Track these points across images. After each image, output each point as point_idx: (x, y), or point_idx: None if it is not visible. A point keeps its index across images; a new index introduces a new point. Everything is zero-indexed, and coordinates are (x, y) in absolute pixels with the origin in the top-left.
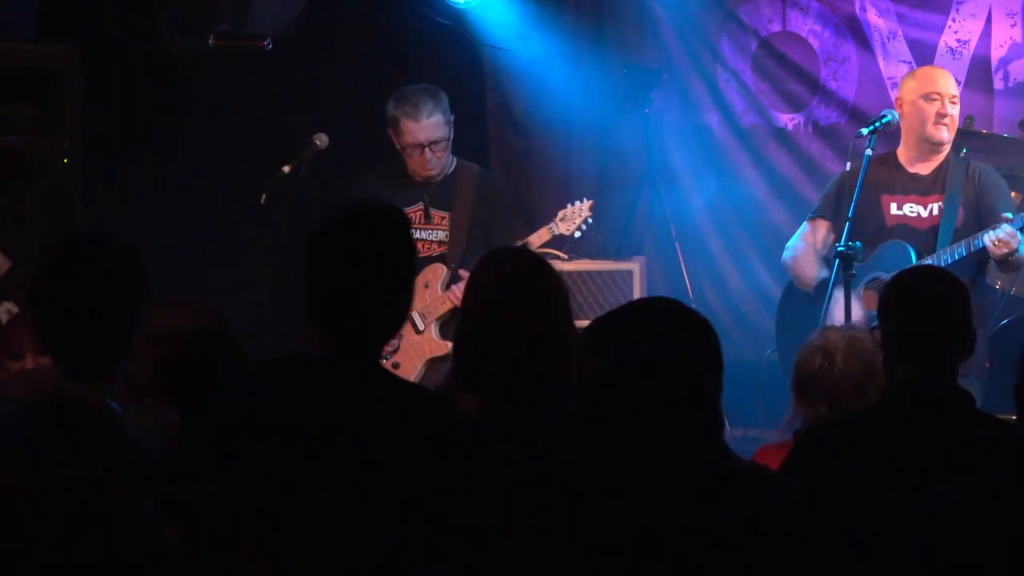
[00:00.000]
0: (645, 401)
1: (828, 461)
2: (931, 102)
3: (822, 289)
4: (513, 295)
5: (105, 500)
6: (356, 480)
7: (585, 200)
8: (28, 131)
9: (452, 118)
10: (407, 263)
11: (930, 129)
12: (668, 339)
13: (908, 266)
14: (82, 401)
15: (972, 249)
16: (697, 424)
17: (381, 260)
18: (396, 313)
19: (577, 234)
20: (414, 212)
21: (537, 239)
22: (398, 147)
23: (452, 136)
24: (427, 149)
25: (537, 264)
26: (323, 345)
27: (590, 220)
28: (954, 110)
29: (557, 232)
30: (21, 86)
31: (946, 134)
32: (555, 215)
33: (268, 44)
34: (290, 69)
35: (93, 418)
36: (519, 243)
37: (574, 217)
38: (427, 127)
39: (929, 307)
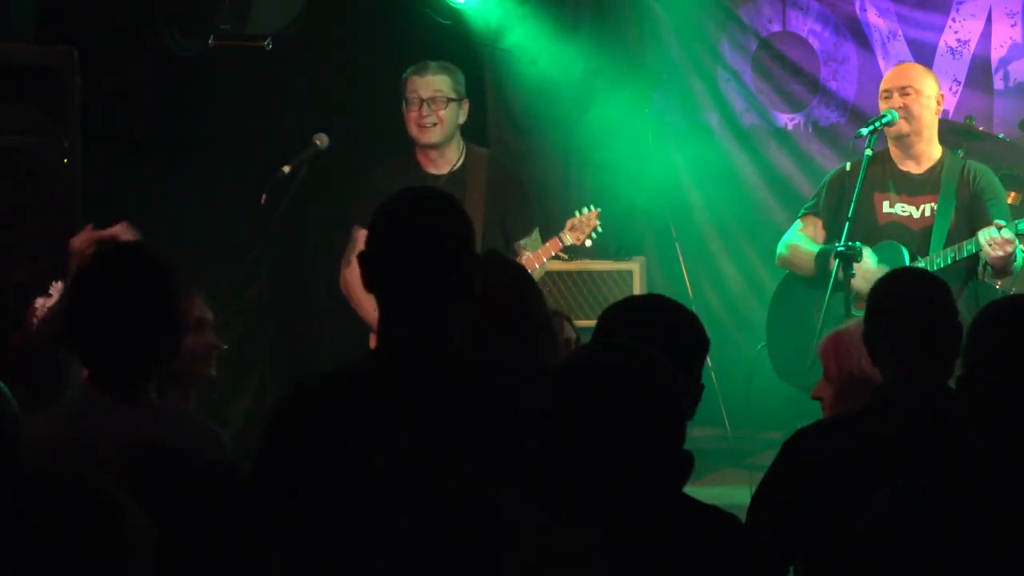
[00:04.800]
0: (608, 388)
1: (817, 462)
2: (885, 100)
3: (823, 261)
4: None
5: (75, 488)
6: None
7: (592, 208)
8: (28, 131)
9: (464, 99)
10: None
11: (887, 129)
12: (662, 332)
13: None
14: None
15: (965, 254)
16: (665, 415)
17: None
18: None
19: (588, 243)
20: None
21: (549, 249)
22: (405, 118)
23: (460, 119)
24: (424, 104)
25: (515, 274)
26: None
27: (599, 229)
28: (908, 100)
29: (568, 243)
30: (21, 86)
31: (904, 126)
32: (564, 225)
33: (268, 44)
34: (290, 69)
35: None
36: (520, 251)
37: (583, 226)
38: (430, 82)
39: (913, 307)
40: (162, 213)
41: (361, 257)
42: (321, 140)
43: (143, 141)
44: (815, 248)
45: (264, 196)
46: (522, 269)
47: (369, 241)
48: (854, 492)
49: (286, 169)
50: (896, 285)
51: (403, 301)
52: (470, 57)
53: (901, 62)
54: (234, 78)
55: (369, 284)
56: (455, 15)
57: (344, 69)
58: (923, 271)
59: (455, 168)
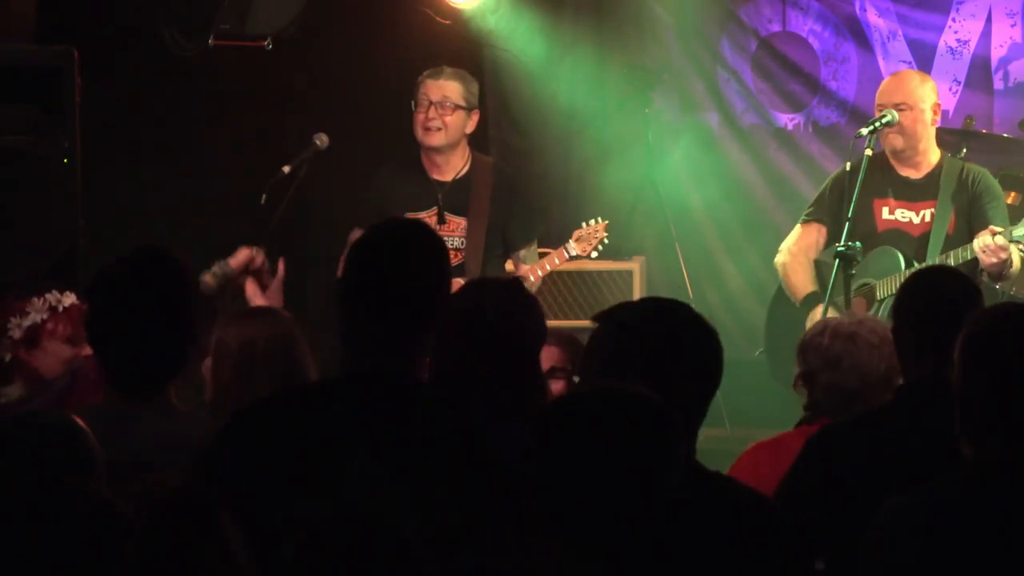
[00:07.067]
0: (596, 433)
1: (840, 460)
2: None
3: (809, 302)
4: (488, 335)
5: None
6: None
7: (600, 220)
8: (28, 131)
9: (475, 109)
10: (435, 277)
11: (882, 140)
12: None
13: (897, 273)
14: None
15: (960, 260)
16: (652, 460)
17: (414, 275)
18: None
19: (594, 255)
20: (428, 216)
21: (554, 260)
22: (414, 120)
23: (468, 128)
24: (432, 107)
25: (521, 302)
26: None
27: (606, 240)
28: (903, 116)
29: (573, 253)
30: (21, 86)
31: (898, 141)
32: (570, 235)
33: (268, 44)
34: (290, 69)
35: (55, 435)
36: (517, 270)
37: (590, 238)
38: (442, 86)
39: (943, 307)
40: (161, 213)
41: (336, 284)
42: (321, 140)
43: (143, 141)
44: (808, 290)
45: (264, 196)
46: (531, 300)
47: (343, 269)
48: (877, 490)
49: (286, 169)
50: (924, 284)
51: (371, 332)
52: (470, 57)
53: (898, 69)
54: (234, 78)
55: (338, 311)
56: (455, 15)
57: (344, 69)
58: (953, 270)
59: (459, 176)
